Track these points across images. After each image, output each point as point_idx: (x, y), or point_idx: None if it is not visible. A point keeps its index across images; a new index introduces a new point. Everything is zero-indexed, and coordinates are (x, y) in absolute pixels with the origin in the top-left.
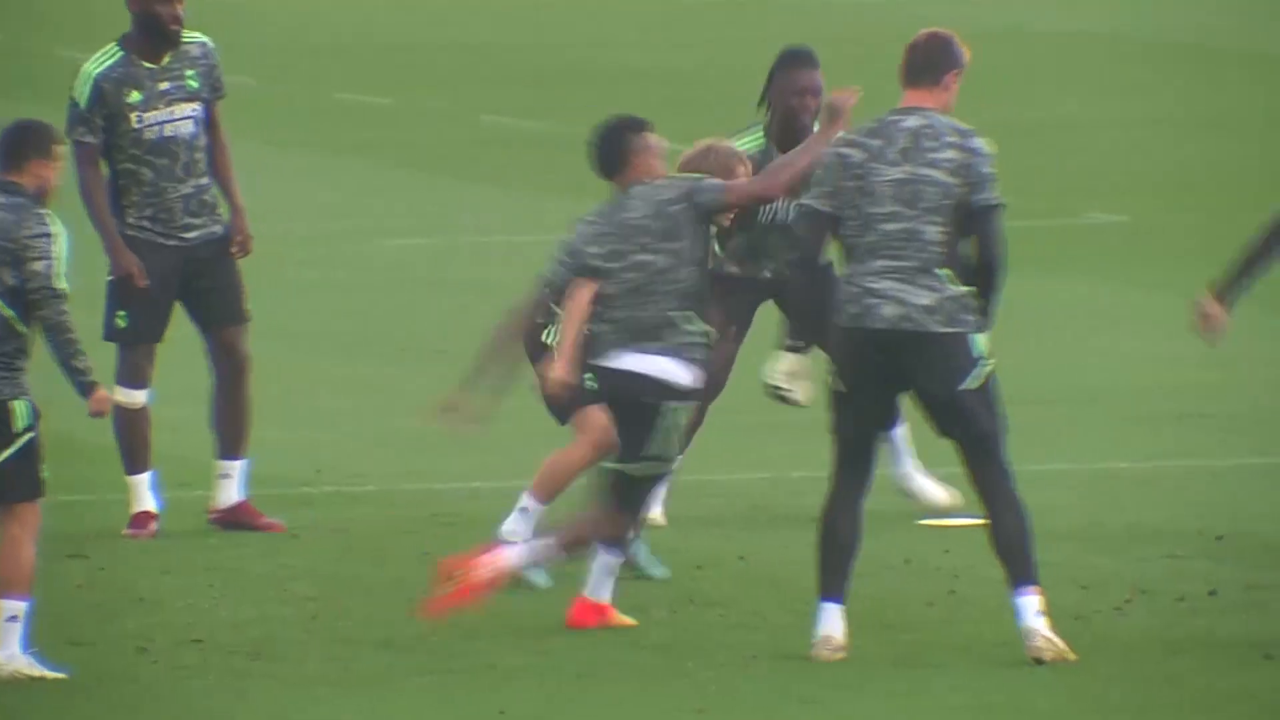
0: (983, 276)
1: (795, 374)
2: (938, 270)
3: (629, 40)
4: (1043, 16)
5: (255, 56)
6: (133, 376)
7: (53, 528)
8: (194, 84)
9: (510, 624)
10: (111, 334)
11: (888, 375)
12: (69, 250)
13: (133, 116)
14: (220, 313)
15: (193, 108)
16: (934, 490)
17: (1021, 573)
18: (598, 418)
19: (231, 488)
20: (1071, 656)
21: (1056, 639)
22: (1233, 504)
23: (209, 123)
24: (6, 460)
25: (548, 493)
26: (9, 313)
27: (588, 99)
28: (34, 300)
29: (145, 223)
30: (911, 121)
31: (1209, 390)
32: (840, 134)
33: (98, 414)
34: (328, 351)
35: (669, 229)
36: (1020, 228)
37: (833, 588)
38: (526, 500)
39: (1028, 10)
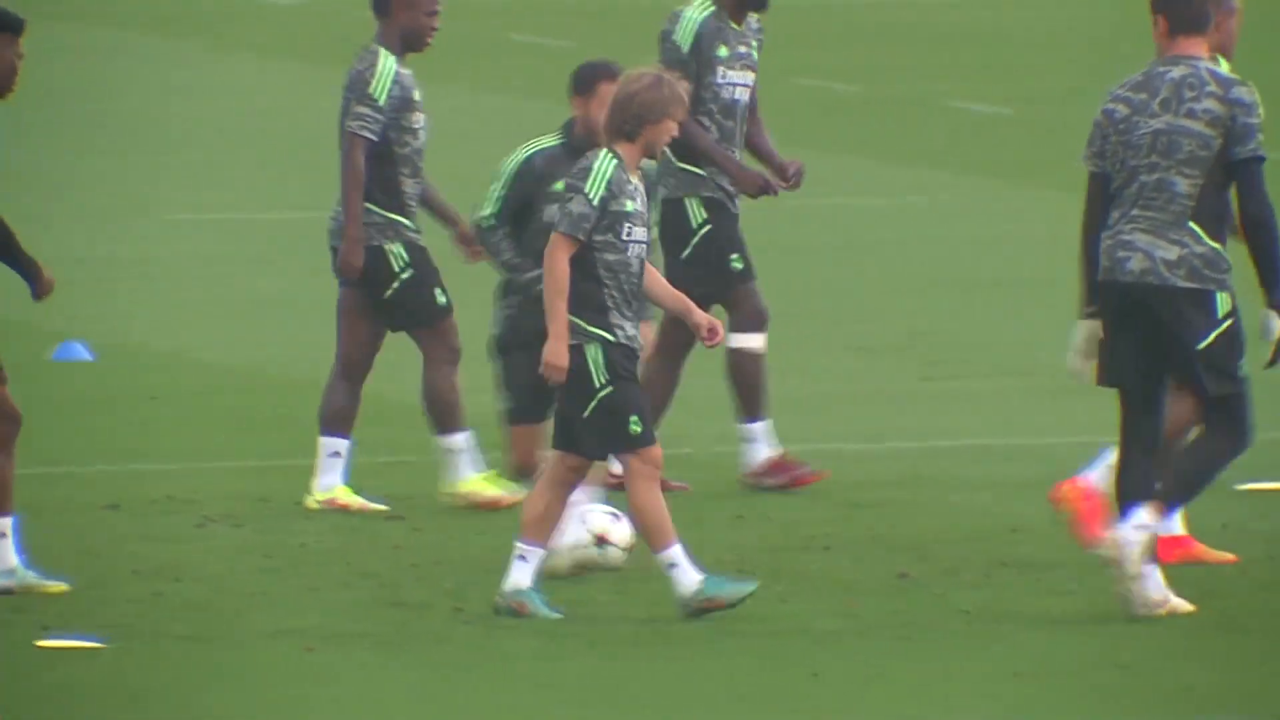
0: (1247, 234)
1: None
2: (1189, 224)
3: (948, 2)
4: None
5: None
6: (757, 322)
7: (373, 489)
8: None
9: (822, 587)
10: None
11: (1142, 327)
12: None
13: None
14: None
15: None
16: None
17: (1169, 493)
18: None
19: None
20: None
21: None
22: None
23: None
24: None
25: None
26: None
27: (897, 58)
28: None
29: None
30: (1176, 72)
31: None
32: (1112, 89)
33: None
34: None
35: None
36: None
37: None
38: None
39: None
